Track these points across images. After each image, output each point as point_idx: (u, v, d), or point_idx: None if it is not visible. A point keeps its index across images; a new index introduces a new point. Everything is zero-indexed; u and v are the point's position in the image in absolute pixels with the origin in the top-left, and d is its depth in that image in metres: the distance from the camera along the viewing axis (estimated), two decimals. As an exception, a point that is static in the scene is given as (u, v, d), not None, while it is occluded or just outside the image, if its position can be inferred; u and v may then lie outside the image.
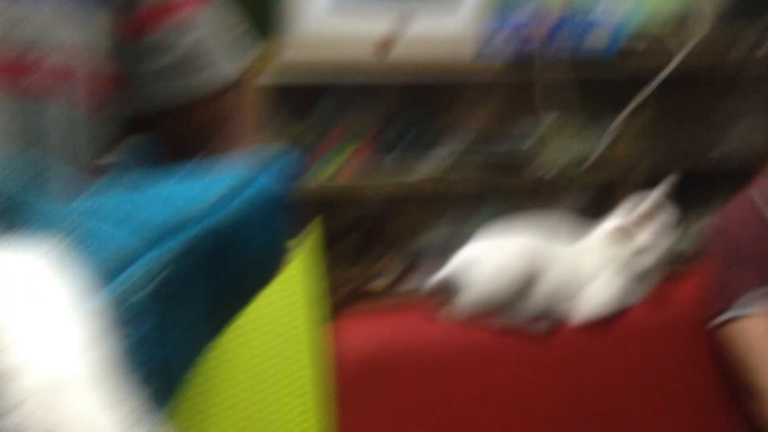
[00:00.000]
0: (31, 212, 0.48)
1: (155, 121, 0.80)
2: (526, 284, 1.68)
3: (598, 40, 1.75)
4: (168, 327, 0.54)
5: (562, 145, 1.94)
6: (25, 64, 0.64)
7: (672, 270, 1.93)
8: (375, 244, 1.98)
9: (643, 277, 1.81)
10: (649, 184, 1.96)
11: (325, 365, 1.61)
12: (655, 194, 1.76)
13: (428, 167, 1.86)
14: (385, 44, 1.64)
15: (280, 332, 1.60)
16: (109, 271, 0.48)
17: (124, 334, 0.42)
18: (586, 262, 1.77)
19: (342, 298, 1.80)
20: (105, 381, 0.38)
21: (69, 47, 0.67)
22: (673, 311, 1.83)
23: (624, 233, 1.74)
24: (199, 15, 0.78)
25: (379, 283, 1.85)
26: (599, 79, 1.93)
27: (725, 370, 1.74)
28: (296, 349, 1.59)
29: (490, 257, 1.69)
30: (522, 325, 1.69)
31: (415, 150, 1.91)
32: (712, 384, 1.82)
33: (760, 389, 1.61)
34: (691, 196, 2.11)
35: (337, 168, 1.80)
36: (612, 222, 1.79)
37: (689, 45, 1.88)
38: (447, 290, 1.67)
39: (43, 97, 0.66)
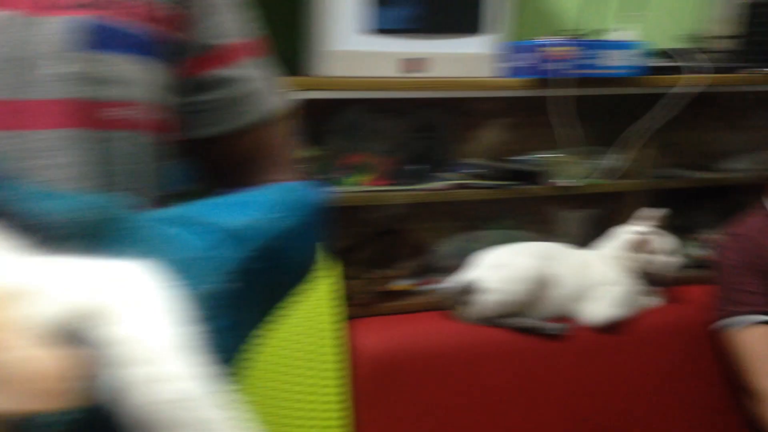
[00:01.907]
0: (116, 224, 0.53)
1: (196, 149, 0.85)
2: (542, 287, 1.71)
3: (612, 59, 1.82)
4: (237, 318, 0.61)
5: (576, 157, 1.97)
6: (98, 102, 0.70)
7: (684, 276, 1.95)
8: (396, 249, 2.00)
9: (656, 282, 1.83)
10: (660, 195, 2.01)
11: (346, 362, 1.64)
12: (662, 209, 1.78)
13: (448, 177, 1.90)
14: (411, 63, 1.73)
15: (304, 330, 1.63)
16: (188, 269, 0.54)
17: (204, 323, 0.48)
18: (602, 267, 1.78)
19: (364, 298, 1.79)
20: (191, 353, 0.44)
21: (132, 83, 0.73)
22: (684, 315, 1.84)
23: (639, 241, 1.76)
24: (249, 62, 0.84)
25: (399, 284, 1.87)
26: (612, 96, 2.00)
27: (728, 372, 1.76)
28: (319, 347, 1.62)
29: (509, 262, 1.72)
30: (538, 326, 1.71)
31: (436, 160, 1.95)
32: (718, 385, 1.83)
33: (759, 391, 1.64)
34: (703, 206, 2.16)
35: (363, 177, 1.86)
36: (628, 230, 1.80)
37: (699, 65, 1.93)
38: (467, 292, 1.70)
39: (112, 129, 0.71)
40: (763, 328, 1.66)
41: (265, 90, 0.86)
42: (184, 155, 0.84)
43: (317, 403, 1.60)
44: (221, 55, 0.82)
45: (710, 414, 1.85)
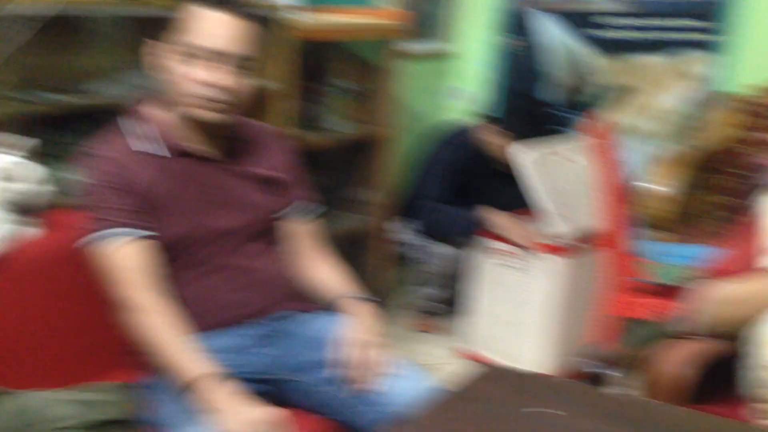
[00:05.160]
0: None
1: None
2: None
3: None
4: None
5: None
6: None
7: (60, 202, 1.95)
8: None
9: (29, 211, 1.79)
10: (27, 121, 1.97)
11: None
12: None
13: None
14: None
15: None
16: None
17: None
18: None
19: None
20: None
21: None
22: (63, 240, 1.84)
23: (5, 171, 1.71)
24: None
25: None
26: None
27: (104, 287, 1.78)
28: None
29: None
30: None
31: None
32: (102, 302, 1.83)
33: (132, 303, 1.71)
34: (71, 130, 2.15)
35: None
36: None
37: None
38: None
39: None
40: (131, 243, 1.72)
41: None
42: None
43: None
44: None
45: (96, 334, 1.90)
